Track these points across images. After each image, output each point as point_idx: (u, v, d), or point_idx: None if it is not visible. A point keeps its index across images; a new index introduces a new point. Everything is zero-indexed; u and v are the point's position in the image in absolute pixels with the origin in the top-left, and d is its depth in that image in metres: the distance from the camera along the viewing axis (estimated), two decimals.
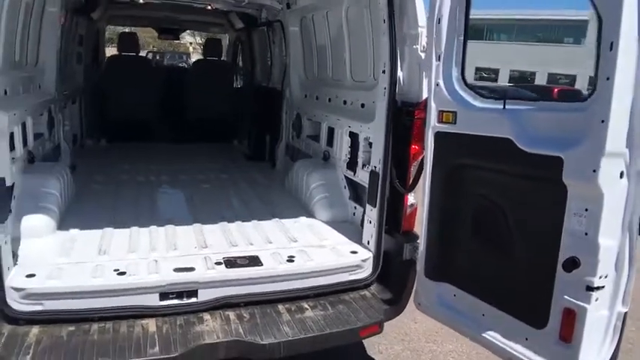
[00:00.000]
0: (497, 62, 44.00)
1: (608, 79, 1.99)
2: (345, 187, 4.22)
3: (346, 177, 4.20)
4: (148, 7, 6.27)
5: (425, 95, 3.01)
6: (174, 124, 7.38)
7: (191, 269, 3.06)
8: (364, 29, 3.97)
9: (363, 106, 4.08)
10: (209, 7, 6.09)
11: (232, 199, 4.62)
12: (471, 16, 2.71)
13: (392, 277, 3.43)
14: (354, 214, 4.05)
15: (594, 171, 2.06)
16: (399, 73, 3.25)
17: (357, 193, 4.05)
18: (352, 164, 4.09)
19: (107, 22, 7.67)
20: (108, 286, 2.87)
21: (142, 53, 28.21)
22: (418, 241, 3.20)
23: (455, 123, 2.78)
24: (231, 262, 3.20)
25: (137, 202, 4.35)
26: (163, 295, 2.95)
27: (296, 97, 5.59)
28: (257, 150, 6.60)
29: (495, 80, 43.60)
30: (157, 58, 23.13)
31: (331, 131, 4.56)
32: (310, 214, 4.24)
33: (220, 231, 3.74)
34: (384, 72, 3.28)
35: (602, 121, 2.01)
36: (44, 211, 3.53)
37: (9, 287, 2.71)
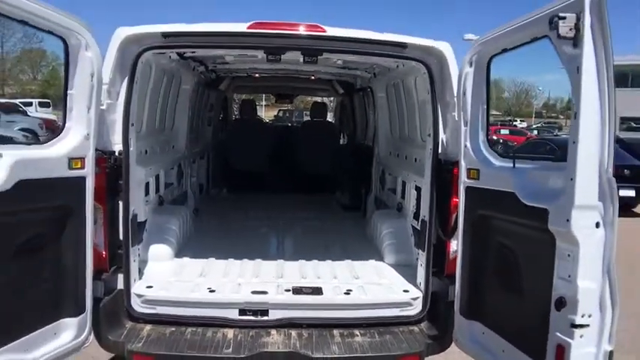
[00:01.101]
0: None
1: (574, 142, 2.36)
2: (411, 235, 4.70)
3: (412, 226, 4.69)
4: (265, 79, 7.52)
5: None
6: (285, 177, 8.42)
7: (265, 292, 3.80)
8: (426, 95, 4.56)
9: None
10: (312, 77, 7.15)
11: (316, 243, 5.32)
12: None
13: (438, 315, 3.81)
14: (417, 259, 4.50)
15: (568, 220, 2.40)
16: (443, 136, 3.77)
17: (420, 240, 4.51)
18: (417, 214, 4.58)
19: (233, 91, 9.18)
20: (201, 299, 3.73)
21: (275, 111, 31.10)
22: None
23: (478, 179, 3.23)
24: (297, 290, 3.89)
25: (239, 240, 5.28)
26: (242, 312, 3.71)
27: (383, 154, 6.25)
28: (353, 201, 7.30)
29: None
30: (287, 115, 25.50)
31: (404, 185, 5.11)
32: (380, 258, 4.79)
33: (297, 266, 4.46)
34: (429, 135, 3.83)
35: (572, 179, 2.37)
36: (166, 242, 4.59)
37: (134, 294, 3.69)
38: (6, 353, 2.80)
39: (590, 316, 2.44)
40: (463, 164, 3.36)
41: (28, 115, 28.36)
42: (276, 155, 8.37)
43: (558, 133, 37.53)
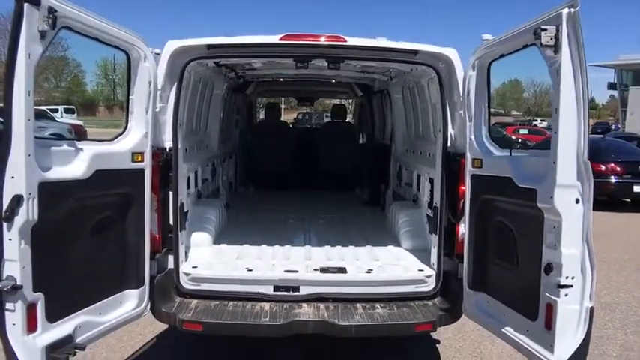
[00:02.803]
0: None
1: (555, 132, 2.85)
2: (426, 223, 5.18)
3: (427, 214, 5.17)
4: (288, 83, 8.08)
5: None
6: (308, 175, 8.94)
7: (295, 271, 4.33)
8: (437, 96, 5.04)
9: None
10: (333, 81, 7.69)
11: (339, 232, 5.84)
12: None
13: (450, 291, 4.29)
14: (430, 243, 4.98)
15: (551, 198, 2.88)
16: (451, 131, 4.26)
17: (432, 225, 4.98)
18: (431, 204, 5.06)
19: (258, 95, 9.78)
20: (240, 276, 4.27)
21: (294, 114, 31.73)
22: None
23: (482, 167, 3.72)
24: (324, 269, 4.40)
25: (269, 230, 5.82)
26: (276, 288, 4.23)
27: (399, 151, 6.74)
28: (373, 197, 7.80)
29: None
30: (306, 117, 26.20)
31: (419, 178, 5.60)
32: (398, 244, 5.28)
33: (323, 250, 4.99)
34: (440, 131, 4.32)
35: (554, 163, 2.85)
36: (205, 230, 5.15)
37: (182, 272, 4.25)
38: (84, 314, 3.37)
39: (572, 277, 2.91)
40: (469, 155, 3.85)
41: (57, 121, 29.46)
42: (299, 155, 8.91)
43: None
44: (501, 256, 3.59)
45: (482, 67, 3.73)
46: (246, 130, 9.10)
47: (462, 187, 4.09)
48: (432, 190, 4.99)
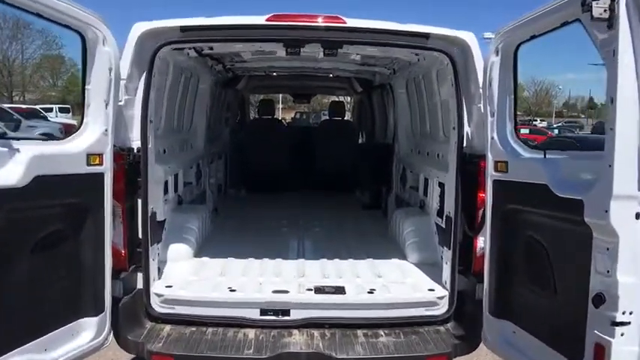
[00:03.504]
0: None
1: (611, 129, 2.23)
2: (435, 233, 4.57)
3: (436, 223, 4.56)
4: (282, 78, 7.46)
5: None
6: (303, 177, 8.33)
7: (286, 292, 3.72)
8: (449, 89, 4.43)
9: None
10: (330, 75, 7.07)
11: (337, 242, 5.22)
12: None
13: (465, 315, 3.69)
14: (441, 257, 4.37)
15: (606, 212, 2.27)
16: (467, 129, 3.65)
17: (445, 238, 4.37)
18: (441, 211, 4.45)
19: (250, 91, 9.15)
20: (221, 298, 3.66)
21: (292, 113, 31.22)
22: None
23: (507, 171, 3.10)
24: (319, 290, 3.80)
25: (259, 239, 5.20)
26: (263, 311, 3.63)
27: (403, 151, 6.13)
28: (373, 200, 7.19)
29: None
30: (303, 117, 25.67)
31: (426, 182, 4.99)
32: (403, 256, 4.67)
33: (318, 265, 4.38)
34: (454, 128, 3.71)
35: (610, 166, 2.24)
36: (185, 241, 4.54)
37: (153, 293, 3.64)
38: (24, 353, 2.76)
39: (631, 313, 2.30)
40: (490, 157, 3.24)
41: (49, 120, 28.98)
42: (294, 155, 8.31)
43: (580, 133, 36.87)
44: (532, 279, 2.98)
45: (507, 52, 3.11)
46: (238, 128, 8.50)
47: (481, 194, 3.49)
48: (441, 196, 4.39)
